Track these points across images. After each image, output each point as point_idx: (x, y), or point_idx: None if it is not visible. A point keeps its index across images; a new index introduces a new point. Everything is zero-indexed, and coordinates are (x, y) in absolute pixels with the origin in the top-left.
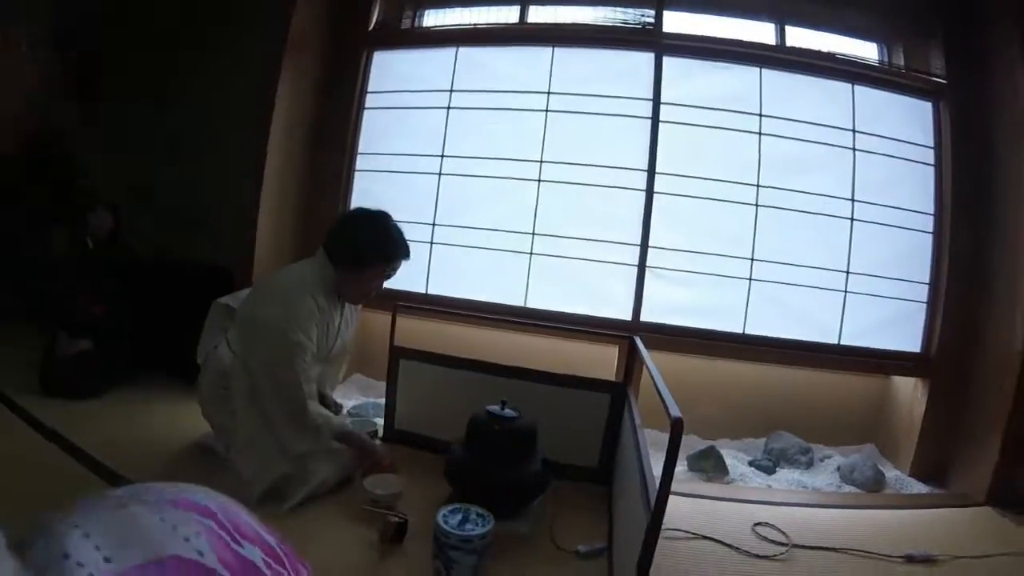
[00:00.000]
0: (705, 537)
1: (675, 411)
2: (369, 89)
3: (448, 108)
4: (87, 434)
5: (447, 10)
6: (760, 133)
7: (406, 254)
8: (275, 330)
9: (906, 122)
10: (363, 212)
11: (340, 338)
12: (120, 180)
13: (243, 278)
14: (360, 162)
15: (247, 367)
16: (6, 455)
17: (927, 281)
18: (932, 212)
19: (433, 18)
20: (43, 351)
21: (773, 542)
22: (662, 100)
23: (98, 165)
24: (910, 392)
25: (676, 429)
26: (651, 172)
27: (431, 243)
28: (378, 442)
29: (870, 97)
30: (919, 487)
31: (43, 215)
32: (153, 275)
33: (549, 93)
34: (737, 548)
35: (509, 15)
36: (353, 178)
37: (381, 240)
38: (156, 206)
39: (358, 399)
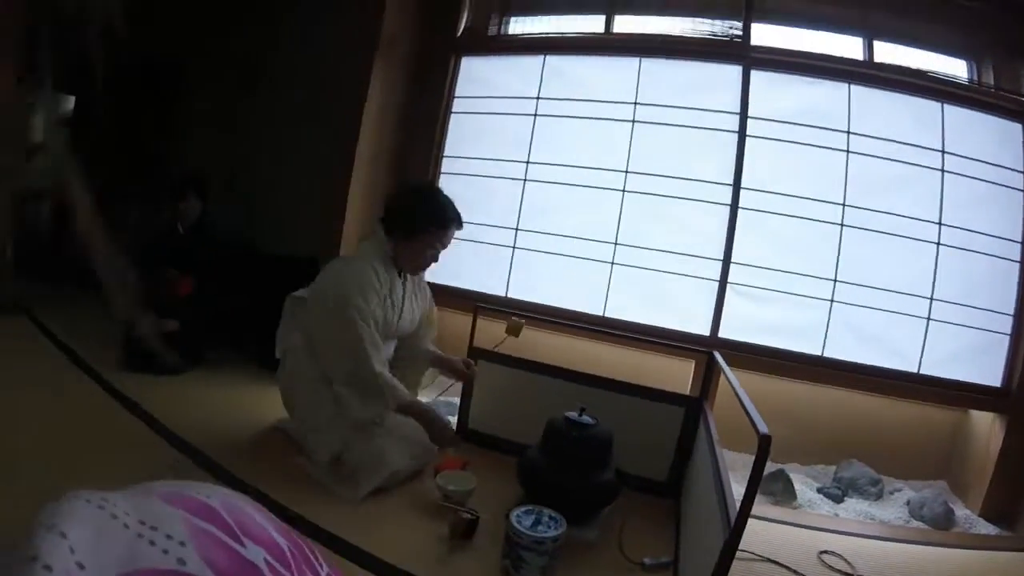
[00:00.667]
0: (770, 560)
1: (763, 427)
2: (456, 94)
3: (535, 115)
4: (165, 409)
5: (534, 18)
6: (848, 151)
7: (458, 223)
8: (332, 297)
9: (995, 143)
10: (415, 183)
11: (407, 314)
12: (210, 167)
13: None
14: (445, 164)
15: (312, 345)
16: (88, 425)
17: (1011, 312)
18: (1019, 239)
19: (520, 26)
20: (126, 327)
21: (838, 571)
22: (749, 114)
23: (189, 150)
24: (987, 427)
25: (763, 446)
26: (736, 186)
27: (513, 247)
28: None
29: (959, 116)
30: (989, 528)
31: (137, 197)
32: (239, 263)
33: (636, 104)
34: (801, 575)
35: (595, 25)
36: (439, 180)
37: (432, 208)
38: (244, 195)
39: (430, 396)
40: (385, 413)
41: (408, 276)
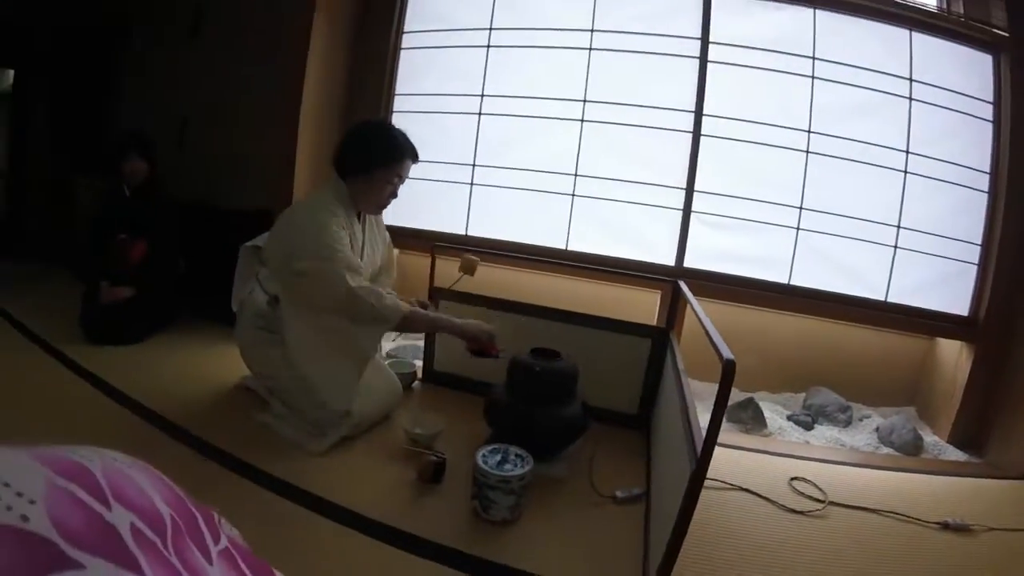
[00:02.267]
0: (741, 488)
1: (727, 353)
2: (405, 29)
3: (488, 47)
4: (129, 379)
5: None
6: (813, 77)
7: (412, 155)
8: (306, 240)
9: (965, 74)
10: (365, 121)
11: (367, 258)
12: (154, 124)
13: None
14: (397, 103)
15: (290, 300)
16: (50, 399)
17: (979, 242)
18: (987, 170)
19: None
20: (84, 298)
21: (809, 498)
22: (711, 39)
23: (131, 108)
24: (954, 356)
25: (727, 371)
26: (698, 114)
27: (471, 184)
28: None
29: (928, 45)
30: (957, 454)
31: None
32: (192, 220)
33: (592, 31)
34: (773, 501)
35: None
36: (391, 119)
37: (385, 142)
38: (191, 151)
39: (397, 342)
40: (388, 328)
41: (367, 219)
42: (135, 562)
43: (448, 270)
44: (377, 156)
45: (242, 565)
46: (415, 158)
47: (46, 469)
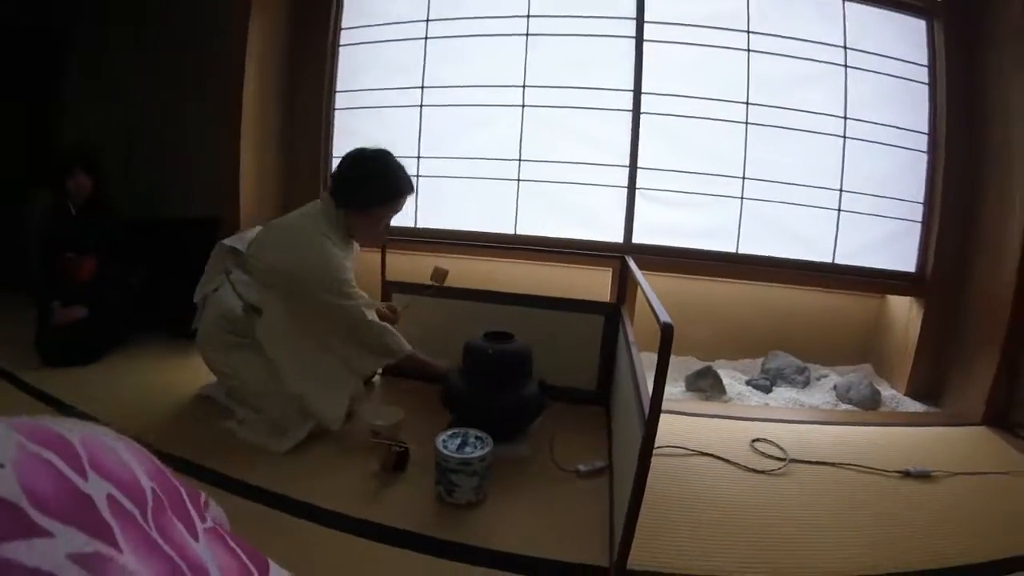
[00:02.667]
0: (704, 453)
1: (664, 317)
2: (344, 25)
3: (425, 39)
4: (89, 399)
5: None
6: (748, 50)
7: (410, 188)
8: (314, 271)
9: (899, 40)
10: (363, 153)
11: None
12: (97, 136)
13: (231, 226)
14: (339, 100)
15: (291, 320)
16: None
17: (922, 200)
18: (926, 131)
19: None
20: (37, 322)
21: (771, 457)
22: (646, 19)
23: (72, 122)
24: (905, 312)
25: (666, 334)
26: (637, 92)
27: (417, 176)
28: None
29: (862, 14)
30: (915, 406)
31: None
32: (140, 233)
33: (529, 16)
34: (736, 463)
35: None
36: (333, 116)
37: (384, 179)
38: (135, 162)
39: None
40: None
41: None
42: (109, 532)
43: (400, 264)
44: (376, 194)
45: (232, 544)
46: (412, 190)
47: (20, 436)
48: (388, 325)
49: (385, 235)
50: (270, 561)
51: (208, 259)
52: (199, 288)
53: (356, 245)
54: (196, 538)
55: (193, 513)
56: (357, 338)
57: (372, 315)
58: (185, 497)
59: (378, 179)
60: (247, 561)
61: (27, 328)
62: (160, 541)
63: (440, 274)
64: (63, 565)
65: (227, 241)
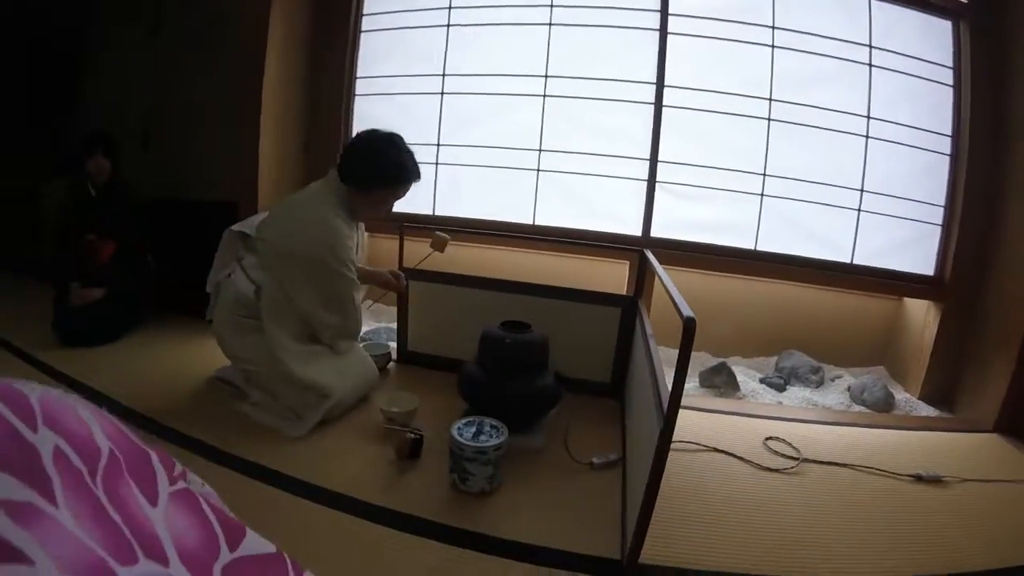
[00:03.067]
0: (717, 450)
1: (687, 311)
2: (365, 12)
3: (448, 26)
4: (106, 380)
5: None
6: (773, 46)
7: (416, 175)
8: (327, 248)
9: (925, 40)
10: (374, 134)
11: (359, 253)
12: (117, 121)
13: (249, 211)
14: (360, 86)
15: (294, 301)
16: None
17: (943, 203)
18: (949, 133)
19: None
20: (54, 302)
21: (784, 456)
22: (670, 11)
23: (94, 107)
24: (922, 315)
25: (688, 328)
26: (659, 85)
27: (436, 164)
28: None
29: (888, 13)
30: (928, 410)
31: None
32: (159, 216)
33: (552, 6)
34: (748, 461)
35: None
36: (353, 103)
37: (391, 162)
38: (156, 145)
39: (370, 325)
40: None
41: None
42: (47, 483)
43: (417, 250)
44: (381, 177)
45: (206, 510)
46: (418, 177)
47: None
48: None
49: (384, 215)
50: (248, 530)
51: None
52: (211, 277)
53: (362, 225)
54: (155, 502)
55: (160, 476)
56: (338, 312)
57: (359, 298)
58: (154, 462)
59: (385, 162)
60: (217, 529)
61: (45, 308)
62: (106, 502)
63: (439, 242)
64: None
65: (235, 227)
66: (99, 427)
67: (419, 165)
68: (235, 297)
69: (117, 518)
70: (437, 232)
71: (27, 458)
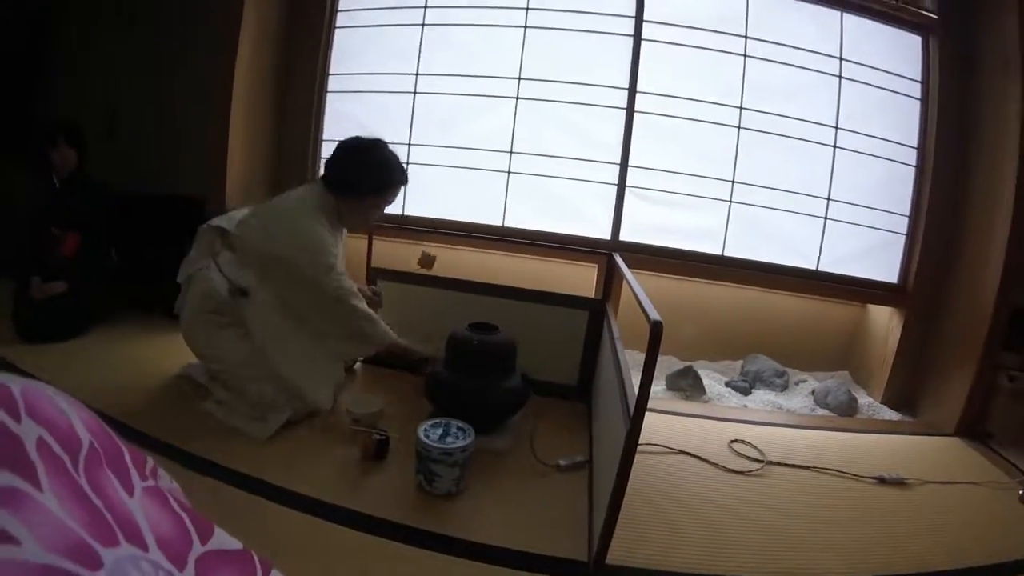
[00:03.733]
0: (683, 452)
1: (654, 315)
2: (339, 8)
3: (422, 25)
4: (66, 375)
5: None
6: (745, 55)
7: (403, 179)
8: (309, 258)
9: (894, 55)
10: (359, 141)
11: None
12: (83, 110)
13: (216, 206)
14: (332, 83)
15: (282, 302)
16: None
17: (907, 213)
18: (915, 145)
19: None
20: (15, 297)
21: (749, 458)
22: (645, 18)
23: (58, 94)
24: (885, 321)
25: (655, 332)
26: (632, 91)
27: (407, 163)
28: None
29: (859, 27)
30: (891, 414)
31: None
32: (123, 209)
33: (527, 9)
34: (714, 463)
35: None
36: (325, 100)
37: (378, 170)
38: (122, 137)
39: None
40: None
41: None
42: (32, 470)
43: (386, 251)
44: (372, 184)
45: (176, 507)
46: (405, 181)
47: None
48: (372, 313)
49: (373, 223)
50: (216, 527)
51: (193, 239)
52: (183, 268)
53: (344, 232)
54: (131, 494)
55: (133, 472)
56: (340, 323)
57: (359, 302)
58: (127, 457)
59: (374, 169)
60: (189, 524)
61: (3, 303)
62: (88, 489)
63: (428, 260)
64: None
65: (214, 221)
66: (78, 418)
67: (404, 167)
68: (205, 292)
69: (99, 503)
70: (425, 250)
71: (11, 447)
